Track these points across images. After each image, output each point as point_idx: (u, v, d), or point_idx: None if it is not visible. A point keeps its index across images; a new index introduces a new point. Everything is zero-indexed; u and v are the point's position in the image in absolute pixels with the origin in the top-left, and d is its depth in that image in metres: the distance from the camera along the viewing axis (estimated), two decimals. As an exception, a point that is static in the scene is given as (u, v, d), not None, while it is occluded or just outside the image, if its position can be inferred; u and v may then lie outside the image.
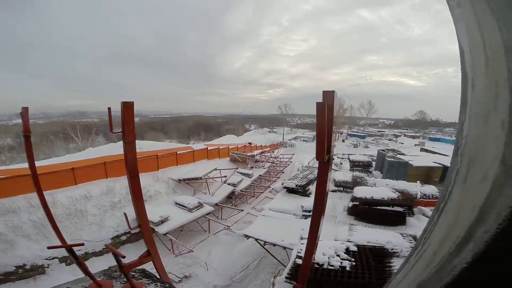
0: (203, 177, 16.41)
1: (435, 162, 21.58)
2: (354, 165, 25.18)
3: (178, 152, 18.58)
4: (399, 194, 12.75)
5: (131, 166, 4.00)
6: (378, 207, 11.80)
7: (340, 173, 18.97)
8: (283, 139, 57.07)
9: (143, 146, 21.61)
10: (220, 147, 24.34)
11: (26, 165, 7.14)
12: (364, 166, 24.59)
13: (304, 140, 59.03)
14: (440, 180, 19.73)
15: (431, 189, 14.55)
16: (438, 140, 59.15)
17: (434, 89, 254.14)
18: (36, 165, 6.15)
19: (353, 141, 57.84)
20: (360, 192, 12.77)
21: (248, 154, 25.76)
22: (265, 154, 30.91)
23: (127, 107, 3.59)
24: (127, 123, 3.67)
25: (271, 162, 27.94)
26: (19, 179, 10.68)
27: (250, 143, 37.55)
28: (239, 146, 29.67)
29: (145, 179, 14.68)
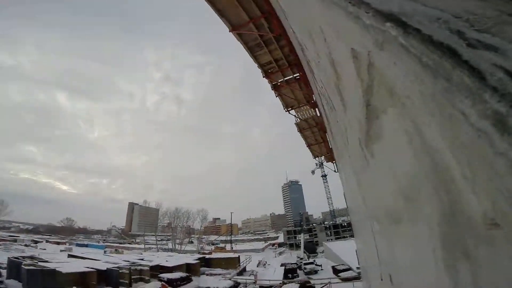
0: None
1: (88, 267, 20.41)
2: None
3: None
4: None
5: None
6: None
7: None
8: None
9: None
10: None
11: None
12: None
13: None
14: (97, 283, 18.83)
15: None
16: (86, 245, 58.17)
17: (86, 197, 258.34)
18: None
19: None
20: None
21: None
22: None
23: None
24: None
25: None
26: None
27: None
28: None
29: None
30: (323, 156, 20.23)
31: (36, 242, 56.68)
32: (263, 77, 10.58)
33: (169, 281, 18.79)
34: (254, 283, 22.22)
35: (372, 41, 0.78)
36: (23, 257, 22.86)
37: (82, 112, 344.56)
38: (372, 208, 1.29)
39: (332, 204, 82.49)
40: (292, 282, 16.64)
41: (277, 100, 12.17)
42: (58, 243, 58.71)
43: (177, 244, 63.80)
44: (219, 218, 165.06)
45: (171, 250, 57.85)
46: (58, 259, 25.87)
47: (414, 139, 0.60)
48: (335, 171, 18.17)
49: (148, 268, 22.42)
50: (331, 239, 58.89)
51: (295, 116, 13.59)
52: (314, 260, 32.08)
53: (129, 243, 79.41)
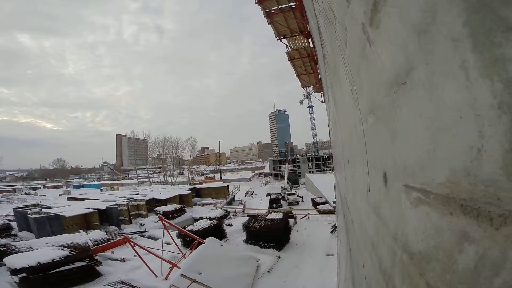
0: None
1: (89, 208, 21.11)
2: (-18, 233, 16.99)
3: None
4: (70, 249, 10.92)
5: None
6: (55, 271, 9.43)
7: None
8: None
9: None
10: None
11: None
12: (1, 231, 17.61)
13: None
14: (100, 222, 20.08)
15: (98, 234, 14.25)
16: (82, 186, 60.05)
17: (72, 134, 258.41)
18: None
19: (-30, 204, 40.68)
20: (18, 261, 9.12)
21: None
22: None
23: None
24: None
25: None
26: None
27: None
28: None
29: None
30: (311, 87, 20.49)
31: (34, 189, 58.12)
32: (256, 3, 9.97)
33: (165, 214, 19.62)
34: (243, 212, 23.79)
35: None
36: (27, 206, 23.58)
37: (51, 50, 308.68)
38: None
39: (316, 136, 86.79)
40: (276, 211, 18.56)
41: (266, 31, 11.82)
42: (55, 187, 60.74)
43: (169, 176, 64.22)
44: (207, 147, 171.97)
45: (163, 182, 58.24)
46: (59, 203, 26.70)
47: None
48: (322, 101, 18.81)
49: (144, 203, 22.97)
50: (312, 171, 62.28)
51: (286, 45, 13.38)
52: (296, 191, 34.19)
53: (122, 179, 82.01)
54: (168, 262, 10.19)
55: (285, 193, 33.41)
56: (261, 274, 10.31)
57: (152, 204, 24.32)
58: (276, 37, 12.38)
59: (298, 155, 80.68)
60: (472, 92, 0.44)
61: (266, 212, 19.57)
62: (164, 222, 11.68)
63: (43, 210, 20.70)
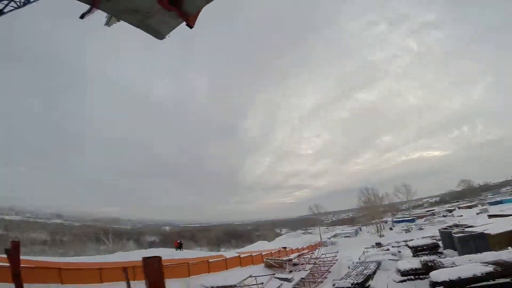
0: (237, 285, 14.95)
1: None
2: (417, 250, 21.98)
3: (209, 260, 19.05)
4: (495, 265, 10.09)
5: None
6: (472, 285, 9.34)
7: (404, 261, 16.70)
8: (321, 239, 56.04)
9: (175, 254, 24.03)
10: (253, 254, 24.05)
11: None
12: (430, 249, 21.29)
13: (346, 236, 57.30)
14: None
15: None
16: (500, 202, 52.26)
17: (462, 153, 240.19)
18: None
19: (402, 226, 55.13)
20: (441, 275, 10.15)
21: (284, 258, 24.84)
22: (304, 256, 28.82)
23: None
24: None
25: (313, 263, 25.52)
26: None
27: (284, 248, 36.94)
28: (273, 252, 29.11)
29: (174, 285, 13.82)
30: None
31: (450, 211, 61.41)
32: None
33: None
34: None
35: None
36: (449, 226, 26.04)
37: (385, 92, 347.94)
38: None
39: None
40: None
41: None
42: (469, 207, 59.57)
43: None
44: None
45: None
46: (480, 222, 26.10)
47: None
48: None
49: None
50: None
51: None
52: None
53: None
54: None
55: None
56: None
57: None
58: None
59: None
60: None
61: None
62: None
63: (466, 229, 21.53)
